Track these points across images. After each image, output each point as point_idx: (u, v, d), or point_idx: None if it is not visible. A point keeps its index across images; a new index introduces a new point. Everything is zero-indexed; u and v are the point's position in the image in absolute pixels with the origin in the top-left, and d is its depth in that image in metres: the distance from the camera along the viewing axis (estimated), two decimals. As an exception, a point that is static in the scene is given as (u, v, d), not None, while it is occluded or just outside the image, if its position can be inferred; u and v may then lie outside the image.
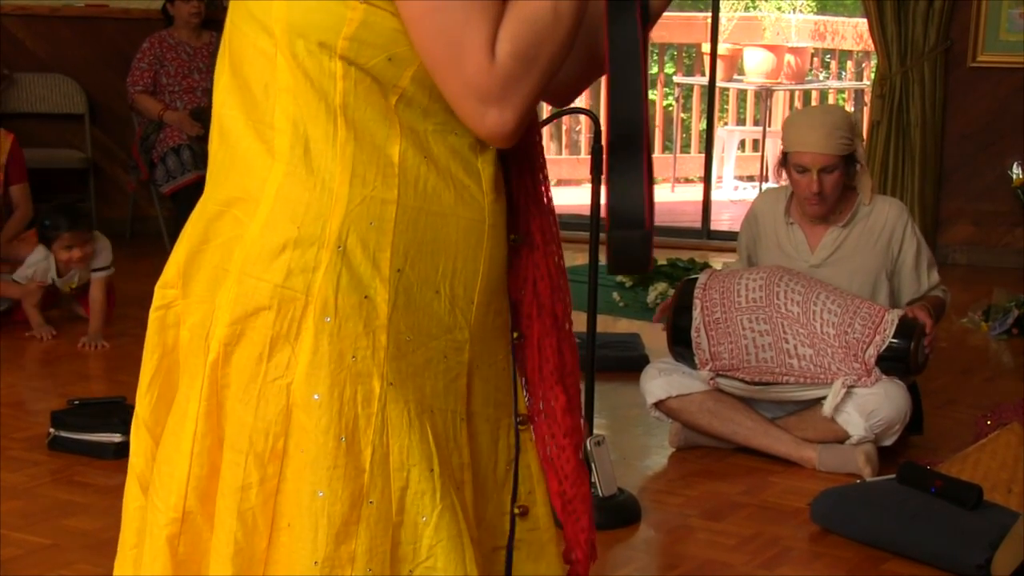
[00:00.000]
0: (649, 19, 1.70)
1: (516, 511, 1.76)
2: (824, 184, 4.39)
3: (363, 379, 1.59)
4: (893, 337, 4.25)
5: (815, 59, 10.81)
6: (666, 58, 11.35)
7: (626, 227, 1.63)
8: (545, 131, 10.25)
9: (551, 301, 1.77)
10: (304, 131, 1.60)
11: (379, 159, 1.59)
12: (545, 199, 1.77)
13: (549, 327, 1.77)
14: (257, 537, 1.63)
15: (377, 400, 1.59)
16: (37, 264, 5.94)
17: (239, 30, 1.67)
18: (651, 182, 1.67)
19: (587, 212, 3.84)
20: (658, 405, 4.48)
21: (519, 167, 1.75)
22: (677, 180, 10.64)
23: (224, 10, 1.78)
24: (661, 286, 6.62)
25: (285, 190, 1.60)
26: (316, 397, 1.58)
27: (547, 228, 1.77)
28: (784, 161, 4.50)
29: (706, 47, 9.17)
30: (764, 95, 10.15)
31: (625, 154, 1.64)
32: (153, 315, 1.73)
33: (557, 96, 1.83)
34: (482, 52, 1.52)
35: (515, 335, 1.77)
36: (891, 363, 4.26)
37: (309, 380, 1.59)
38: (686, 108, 11.41)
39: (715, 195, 9.00)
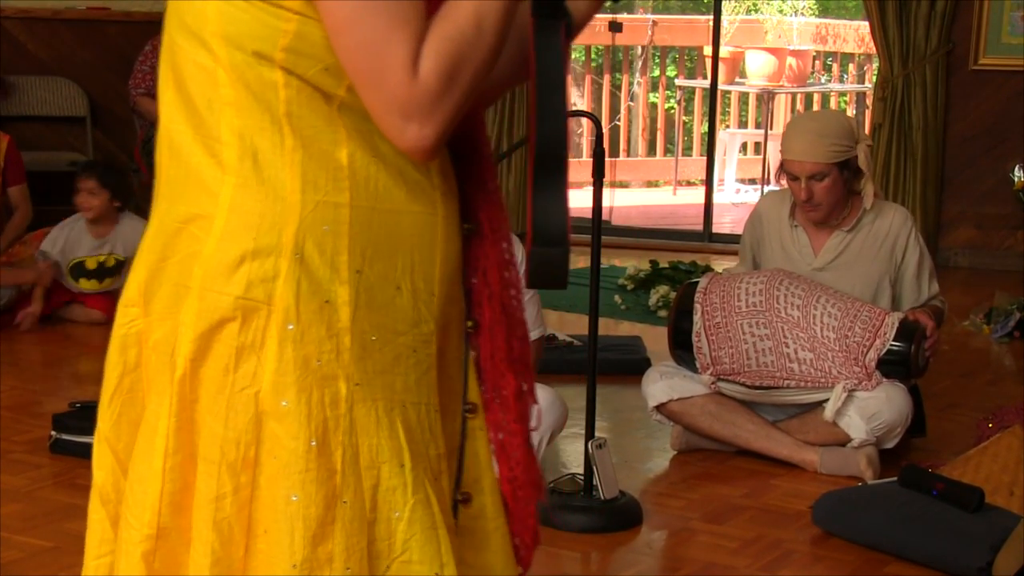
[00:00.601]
0: (572, 34, 1.71)
1: (458, 497, 1.77)
2: (814, 191, 4.38)
3: (329, 382, 1.60)
4: (894, 340, 4.24)
5: (817, 62, 10.82)
6: (668, 61, 11.36)
7: (549, 244, 1.66)
8: (547, 134, 10.24)
9: (500, 288, 1.78)
10: (251, 142, 1.60)
11: (328, 163, 1.60)
12: (491, 186, 1.79)
13: (499, 314, 1.78)
14: (234, 546, 1.64)
15: (344, 401, 1.61)
16: (64, 229, 6.03)
17: (178, 45, 1.67)
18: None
19: (588, 214, 3.83)
20: (660, 408, 4.48)
21: (468, 156, 1.76)
22: (679, 183, 10.65)
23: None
24: (663, 289, 6.62)
25: (238, 202, 1.61)
26: (284, 404, 1.60)
27: (495, 217, 1.78)
28: (781, 167, 4.51)
29: (708, 50, 9.18)
30: (766, 98, 10.15)
31: (549, 174, 1.65)
32: (116, 332, 1.73)
33: (483, 99, 1.82)
34: (404, 68, 1.52)
35: (469, 323, 1.78)
36: (892, 366, 4.26)
37: (276, 387, 1.60)
38: (688, 111, 11.41)
39: (717, 198, 9.01)
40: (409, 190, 1.64)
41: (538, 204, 1.66)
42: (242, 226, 1.60)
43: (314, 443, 1.59)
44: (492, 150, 1.83)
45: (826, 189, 4.39)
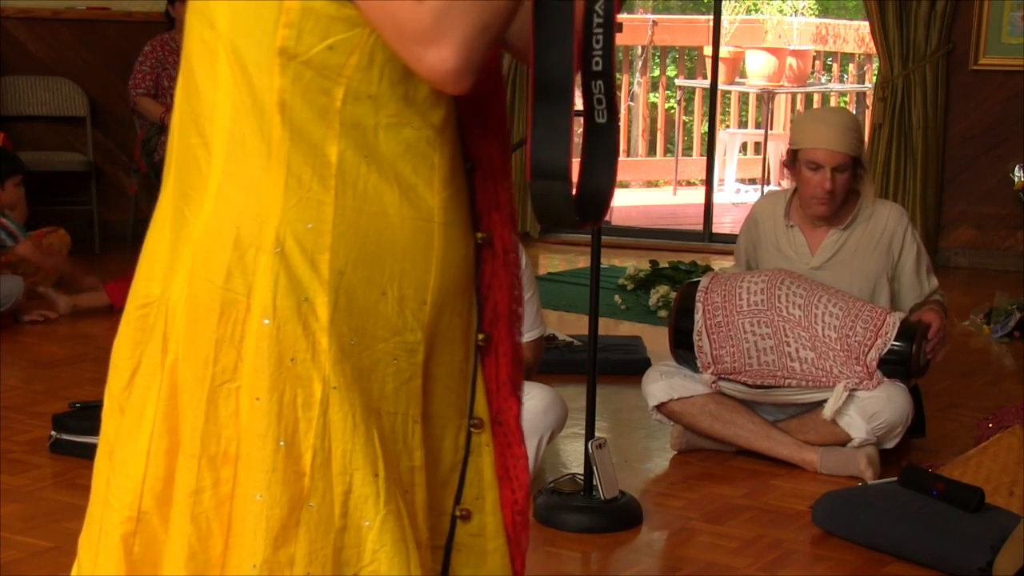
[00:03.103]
0: None
1: (457, 513, 1.74)
2: (836, 182, 4.39)
3: (303, 382, 1.58)
4: (895, 340, 4.24)
5: (817, 62, 10.82)
6: (668, 61, 11.36)
7: (546, 177, 1.59)
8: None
9: (508, 312, 1.75)
10: (241, 128, 1.58)
11: (315, 159, 1.57)
12: (503, 200, 1.74)
13: (504, 336, 1.75)
14: (212, 541, 1.62)
15: (318, 404, 1.58)
16: None
17: (190, 22, 1.66)
18: (593, 127, 1.62)
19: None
20: (660, 408, 4.47)
21: (483, 169, 1.72)
22: (679, 183, 10.64)
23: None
24: (663, 289, 6.62)
25: (225, 190, 1.59)
26: (257, 400, 1.58)
27: (507, 236, 1.74)
28: (793, 159, 4.47)
29: (708, 50, 9.18)
30: (766, 98, 10.15)
31: (549, 104, 1.58)
32: (137, 312, 1.69)
33: (521, 51, 1.72)
34: None
35: (480, 337, 1.74)
36: (893, 366, 4.26)
37: (251, 383, 1.58)
38: (688, 111, 11.41)
39: (717, 198, 9.00)
40: (403, 194, 1.60)
41: (537, 136, 1.58)
42: (227, 214, 1.58)
43: (282, 443, 1.57)
44: (510, 164, 1.76)
45: (844, 182, 4.42)
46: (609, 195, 1.66)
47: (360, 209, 1.59)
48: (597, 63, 1.62)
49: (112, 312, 6.18)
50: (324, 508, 1.59)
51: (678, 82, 11.27)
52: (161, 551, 1.66)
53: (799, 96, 10.52)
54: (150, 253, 1.69)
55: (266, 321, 1.57)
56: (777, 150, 9.81)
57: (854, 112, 10.55)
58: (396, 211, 1.60)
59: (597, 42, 1.62)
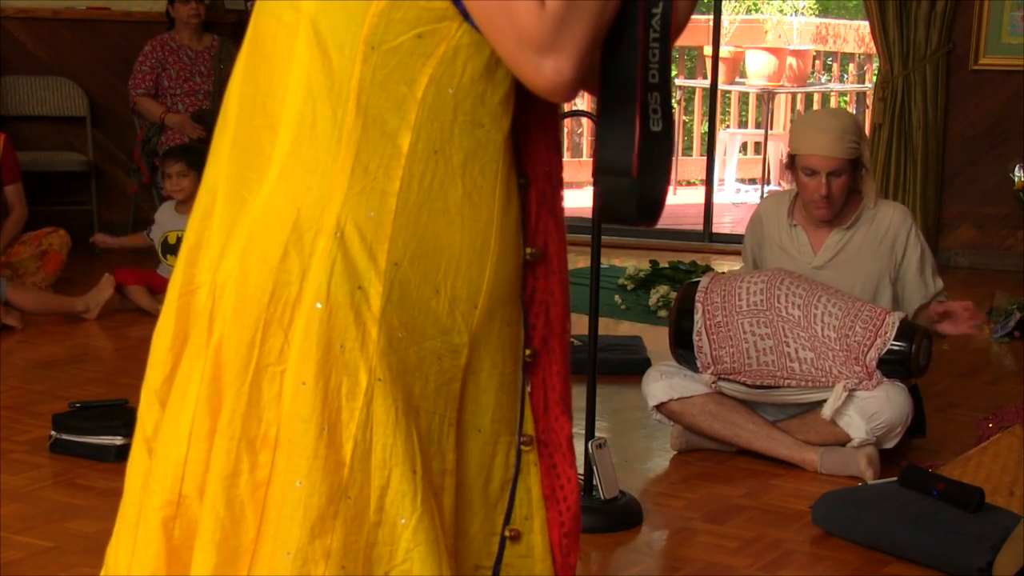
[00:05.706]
0: None
1: (508, 534, 1.72)
2: (832, 187, 4.39)
3: (350, 371, 1.57)
4: (894, 340, 4.24)
5: (817, 62, 10.82)
6: (668, 61, 11.35)
7: (612, 174, 1.61)
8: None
9: (561, 330, 1.73)
10: (313, 109, 1.57)
11: (385, 148, 1.56)
12: (561, 217, 1.74)
13: (557, 355, 1.74)
14: (244, 526, 1.60)
15: (363, 394, 1.57)
16: (160, 214, 6.48)
17: (265, 7, 1.65)
18: (647, 135, 1.63)
19: (588, 214, 3.83)
20: (660, 408, 4.47)
21: (540, 185, 1.71)
22: (679, 183, 10.64)
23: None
24: (663, 289, 6.61)
25: (289, 170, 1.58)
26: (303, 384, 1.56)
27: (562, 251, 1.73)
28: (791, 164, 4.49)
29: (708, 50, 9.18)
30: (766, 98, 10.15)
31: (616, 102, 1.61)
32: (179, 300, 1.68)
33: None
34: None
35: (527, 352, 1.73)
36: (892, 366, 4.26)
37: (297, 367, 1.57)
38: (688, 111, 11.41)
39: (717, 198, 8.99)
40: (466, 194, 1.60)
41: (603, 135, 1.61)
42: (289, 195, 1.57)
43: (324, 430, 1.55)
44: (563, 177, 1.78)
45: (842, 185, 4.41)
46: (662, 198, 1.68)
47: (422, 204, 1.58)
48: (653, 76, 1.66)
49: (111, 310, 6.17)
50: (360, 501, 1.57)
51: (678, 82, 11.26)
52: None
53: (799, 96, 10.52)
54: (193, 241, 1.68)
55: (318, 305, 1.56)
56: (777, 150, 9.82)
57: (854, 112, 10.56)
58: (457, 210, 1.60)
59: (653, 55, 1.66)
